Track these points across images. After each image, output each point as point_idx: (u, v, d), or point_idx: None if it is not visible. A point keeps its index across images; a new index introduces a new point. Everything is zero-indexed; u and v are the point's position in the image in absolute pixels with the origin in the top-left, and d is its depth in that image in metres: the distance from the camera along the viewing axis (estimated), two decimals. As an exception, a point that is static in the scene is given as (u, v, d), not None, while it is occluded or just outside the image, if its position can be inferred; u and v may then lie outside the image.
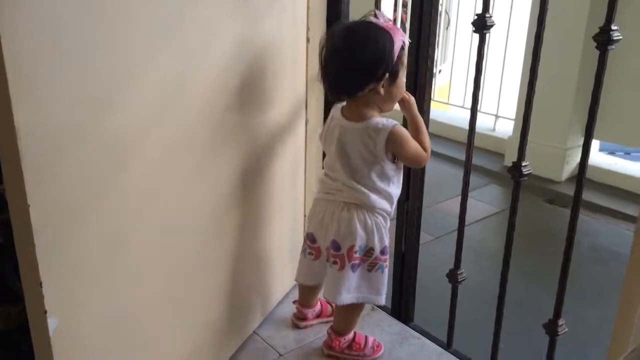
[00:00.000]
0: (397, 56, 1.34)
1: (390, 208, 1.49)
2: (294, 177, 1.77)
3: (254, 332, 1.71)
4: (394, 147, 1.40)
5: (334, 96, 1.44)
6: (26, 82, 0.87)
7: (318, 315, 1.75)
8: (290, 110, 1.61)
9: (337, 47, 1.34)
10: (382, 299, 1.53)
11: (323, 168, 1.53)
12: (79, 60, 0.95)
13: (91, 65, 0.97)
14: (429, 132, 1.63)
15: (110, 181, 1.07)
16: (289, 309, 1.77)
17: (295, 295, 1.76)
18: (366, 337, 1.65)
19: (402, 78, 1.42)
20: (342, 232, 1.45)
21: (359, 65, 1.34)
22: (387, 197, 1.46)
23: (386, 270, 1.51)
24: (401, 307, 1.81)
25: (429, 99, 1.62)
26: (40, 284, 0.95)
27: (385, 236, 1.48)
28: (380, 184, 1.43)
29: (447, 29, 4.63)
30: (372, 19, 1.35)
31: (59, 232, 0.98)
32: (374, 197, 1.43)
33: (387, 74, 1.35)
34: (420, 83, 1.59)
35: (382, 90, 1.36)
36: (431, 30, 1.55)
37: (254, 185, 1.55)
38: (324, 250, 1.51)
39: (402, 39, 1.35)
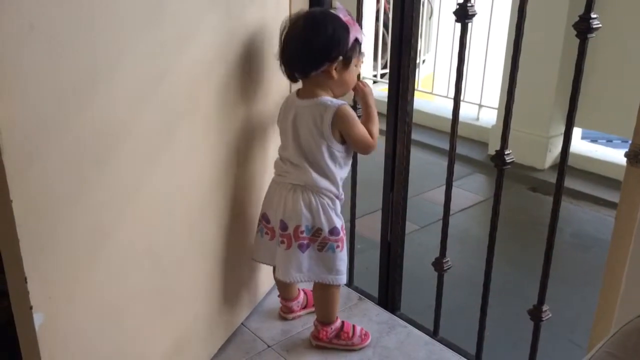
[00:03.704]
0: (352, 46, 1.42)
1: (336, 189, 1.52)
2: (279, 169, 1.77)
3: (242, 324, 1.71)
4: (341, 126, 1.45)
5: (291, 75, 1.49)
6: (4, 74, 0.86)
7: (305, 307, 1.76)
8: (276, 100, 1.61)
9: (296, 30, 1.43)
10: (340, 279, 1.55)
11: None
12: (57, 51, 0.94)
13: (70, 56, 0.96)
14: (413, 122, 1.65)
15: (93, 174, 1.06)
16: (277, 300, 1.77)
17: (282, 286, 1.76)
18: (354, 326, 1.66)
19: (357, 68, 1.49)
20: (288, 212, 1.49)
21: (314, 45, 1.41)
22: (331, 178, 1.49)
23: (339, 250, 1.52)
24: (388, 296, 1.82)
25: (413, 89, 1.63)
26: (25, 279, 0.94)
27: (334, 217, 1.51)
28: (330, 164, 1.48)
29: (430, 18, 4.63)
30: (332, 10, 1.45)
31: (43, 226, 0.97)
32: (316, 177, 1.47)
33: (339, 58, 1.42)
34: (404, 73, 1.60)
35: (334, 74, 1.43)
36: (414, 20, 1.55)
37: (239, 177, 1.55)
38: (277, 231, 1.54)
39: (357, 34, 1.44)
